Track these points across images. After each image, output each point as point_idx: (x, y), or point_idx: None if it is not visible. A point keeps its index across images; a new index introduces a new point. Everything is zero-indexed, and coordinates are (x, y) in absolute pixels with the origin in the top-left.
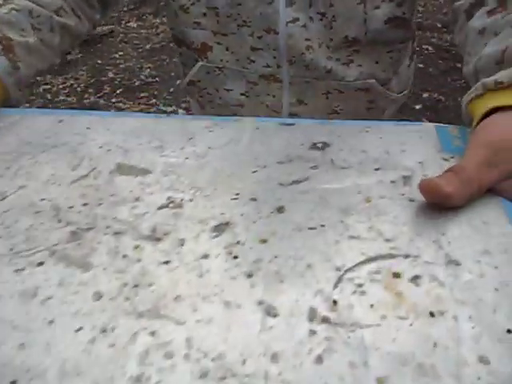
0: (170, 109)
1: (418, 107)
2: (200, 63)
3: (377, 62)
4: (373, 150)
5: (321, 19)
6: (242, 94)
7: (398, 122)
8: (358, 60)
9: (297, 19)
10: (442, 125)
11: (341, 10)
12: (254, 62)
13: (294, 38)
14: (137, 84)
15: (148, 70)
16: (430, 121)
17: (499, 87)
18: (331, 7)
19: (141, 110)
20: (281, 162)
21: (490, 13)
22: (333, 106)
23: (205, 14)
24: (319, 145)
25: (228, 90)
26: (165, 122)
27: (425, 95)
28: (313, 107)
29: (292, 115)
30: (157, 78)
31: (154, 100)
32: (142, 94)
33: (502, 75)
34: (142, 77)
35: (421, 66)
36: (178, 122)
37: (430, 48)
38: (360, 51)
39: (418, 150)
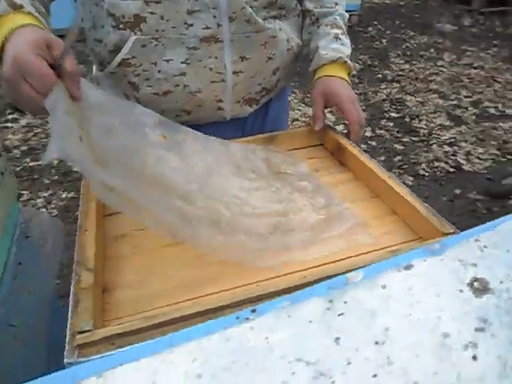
0: None
1: None
2: (134, 37)
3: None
4: None
5: None
6: (182, 63)
7: None
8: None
9: None
10: None
11: None
12: (192, 25)
13: None
14: None
15: None
16: None
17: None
18: None
19: None
20: None
21: None
22: (268, 54)
23: None
24: None
25: (168, 61)
26: None
27: None
28: (254, 60)
29: (235, 73)
30: None
31: None
32: None
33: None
34: None
35: None
36: None
37: None
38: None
39: None
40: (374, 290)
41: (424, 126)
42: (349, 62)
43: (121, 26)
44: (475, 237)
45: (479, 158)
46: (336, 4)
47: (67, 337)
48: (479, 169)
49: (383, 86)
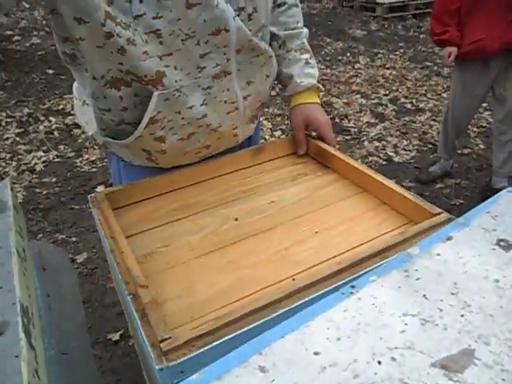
0: None
1: None
2: (156, 93)
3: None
4: None
5: (238, 14)
6: (202, 105)
7: None
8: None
9: (236, 11)
10: None
11: (259, 2)
12: (204, 68)
13: (241, 29)
14: None
15: None
16: None
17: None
18: (251, 1)
19: None
20: None
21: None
22: (266, 73)
23: (146, 41)
24: None
25: (191, 108)
26: None
27: None
28: (257, 82)
29: (245, 98)
30: None
31: None
32: None
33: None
34: None
35: None
36: None
37: None
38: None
39: None
40: (433, 258)
41: (353, 125)
42: (320, 86)
43: (143, 84)
44: (486, 210)
45: (405, 150)
46: (297, 22)
47: (148, 348)
48: (407, 159)
49: None
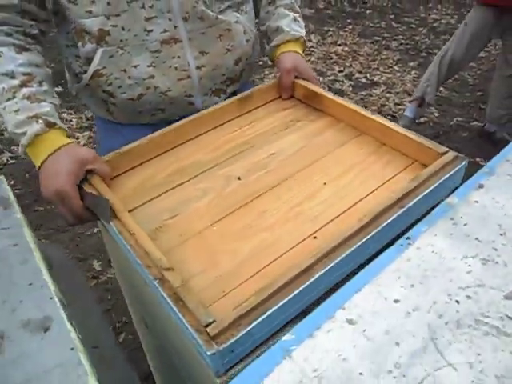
0: None
1: None
2: (101, 49)
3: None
4: None
5: None
6: (149, 66)
7: None
8: (229, 7)
9: None
10: None
11: None
12: (151, 31)
13: None
14: None
15: None
16: None
17: (286, 40)
18: None
19: None
20: None
21: None
22: (226, 46)
23: (93, 2)
24: None
25: (135, 66)
26: None
27: None
28: (213, 54)
29: (198, 68)
30: None
31: None
32: None
33: (285, 37)
34: None
35: None
36: None
37: None
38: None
39: None
40: (472, 205)
41: None
42: (306, 43)
43: (91, 40)
44: (505, 158)
45: None
46: None
47: (193, 334)
48: None
49: (267, 71)
